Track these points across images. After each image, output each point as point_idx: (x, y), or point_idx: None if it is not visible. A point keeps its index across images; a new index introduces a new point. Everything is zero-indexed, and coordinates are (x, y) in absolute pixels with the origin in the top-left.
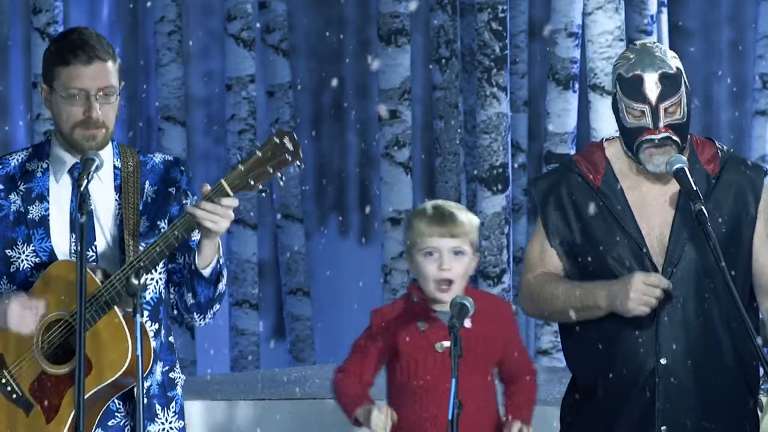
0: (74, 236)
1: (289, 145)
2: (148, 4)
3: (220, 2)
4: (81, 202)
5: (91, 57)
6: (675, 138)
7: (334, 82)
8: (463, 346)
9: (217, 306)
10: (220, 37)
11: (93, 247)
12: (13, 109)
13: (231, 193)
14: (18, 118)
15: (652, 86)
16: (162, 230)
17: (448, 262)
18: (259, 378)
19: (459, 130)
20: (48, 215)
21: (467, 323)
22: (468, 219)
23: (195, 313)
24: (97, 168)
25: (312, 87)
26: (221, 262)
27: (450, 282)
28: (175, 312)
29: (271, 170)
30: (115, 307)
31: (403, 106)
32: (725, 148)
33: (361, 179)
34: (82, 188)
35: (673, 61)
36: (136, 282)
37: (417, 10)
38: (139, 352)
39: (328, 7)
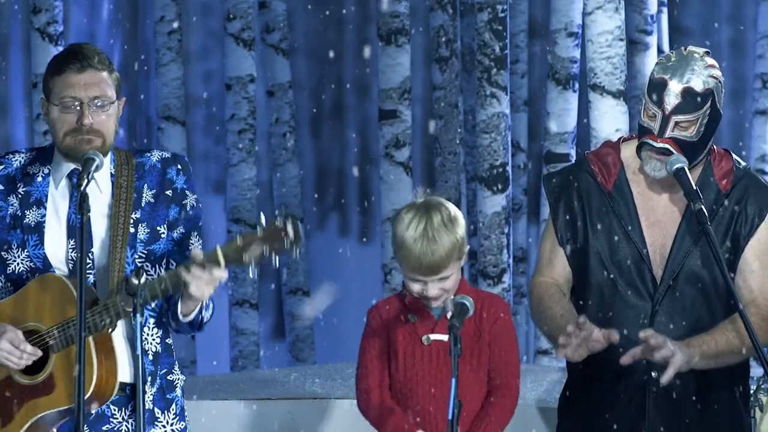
0: (72, 241)
1: (291, 231)
2: None
3: (219, 2)
4: (81, 202)
5: (83, 66)
6: (674, 152)
7: (334, 82)
8: (449, 338)
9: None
10: (219, 36)
11: (90, 254)
12: (13, 109)
13: (222, 264)
14: (18, 118)
15: (671, 95)
16: (162, 235)
17: (433, 289)
18: (259, 378)
19: (459, 130)
20: (44, 222)
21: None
22: (450, 245)
23: (175, 332)
24: (97, 168)
25: (312, 87)
26: (204, 313)
27: (437, 299)
28: None
29: (267, 252)
30: (90, 337)
31: (403, 106)
32: (742, 164)
33: (361, 179)
34: (82, 188)
35: (707, 80)
36: (136, 282)
37: (417, 10)
38: (138, 352)
39: (328, 6)
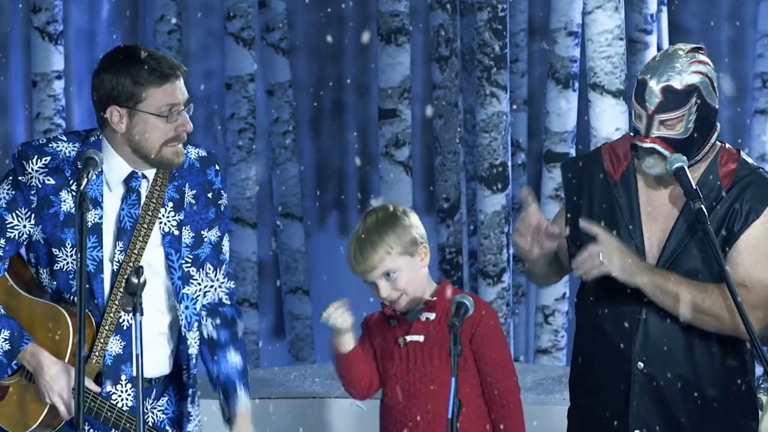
0: (120, 243)
1: None
2: None
3: (219, 1)
4: (81, 201)
5: (178, 74)
6: (662, 151)
7: (334, 81)
8: (424, 339)
9: None
10: (219, 36)
11: (118, 252)
12: (13, 109)
13: None
14: (18, 118)
15: (652, 95)
16: (205, 240)
17: (384, 289)
18: (259, 377)
19: (459, 129)
20: (102, 223)
21: (431, 315)
22: (381, 243)
23: None
24: (97, 167)
25: (311, 86)
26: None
27: (395, 299)
28: None
29: None
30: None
31: (403, 105)
32: (749, 162)
33: (360, 178)
34: (81, 187)
35: (690, 77)
36: (136, 281)
37: (417, 9)
38: (138, 351)
39: (328, 6)
